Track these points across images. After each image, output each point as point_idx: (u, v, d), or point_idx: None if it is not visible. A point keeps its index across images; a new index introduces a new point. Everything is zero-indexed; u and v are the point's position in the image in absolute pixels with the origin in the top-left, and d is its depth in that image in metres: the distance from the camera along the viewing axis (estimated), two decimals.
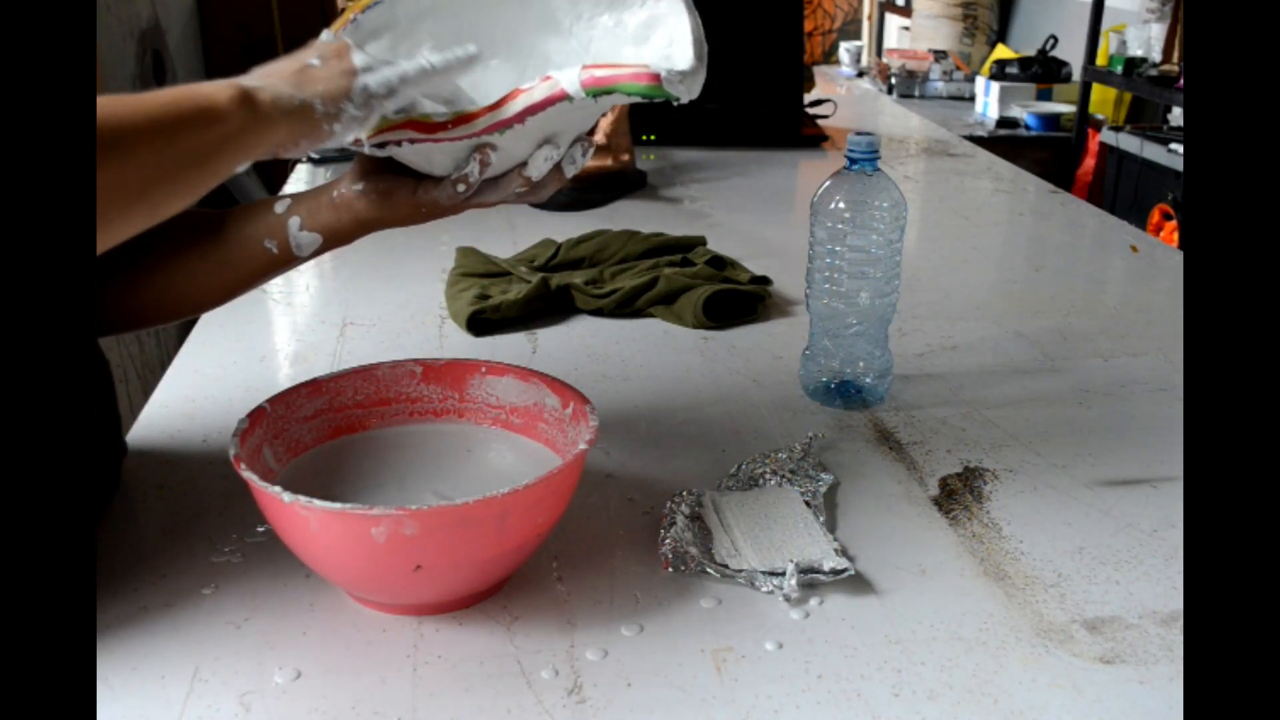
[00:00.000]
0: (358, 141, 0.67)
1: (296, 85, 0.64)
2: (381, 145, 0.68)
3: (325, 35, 0.72)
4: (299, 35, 3.80)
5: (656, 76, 0.66)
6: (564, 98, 0.66)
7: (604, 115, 1.71)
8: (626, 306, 1.19)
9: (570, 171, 0.73)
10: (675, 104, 0.68)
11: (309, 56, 0.66)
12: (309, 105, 0.63)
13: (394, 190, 0.73)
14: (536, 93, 0.66)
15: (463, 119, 0.67)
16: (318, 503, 0.62)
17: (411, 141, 0.67)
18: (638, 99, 0.67)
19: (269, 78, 0.64)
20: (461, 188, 0.70)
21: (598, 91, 0.66)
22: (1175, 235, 2.97)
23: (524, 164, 0.71)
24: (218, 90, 0.60)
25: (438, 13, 0.76)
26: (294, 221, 0.75)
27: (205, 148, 0.59)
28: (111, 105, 0.56)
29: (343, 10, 0.77)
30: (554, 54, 0.77)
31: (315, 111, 0.64)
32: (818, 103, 2.35)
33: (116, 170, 0.55)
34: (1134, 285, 1.41)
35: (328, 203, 0.75)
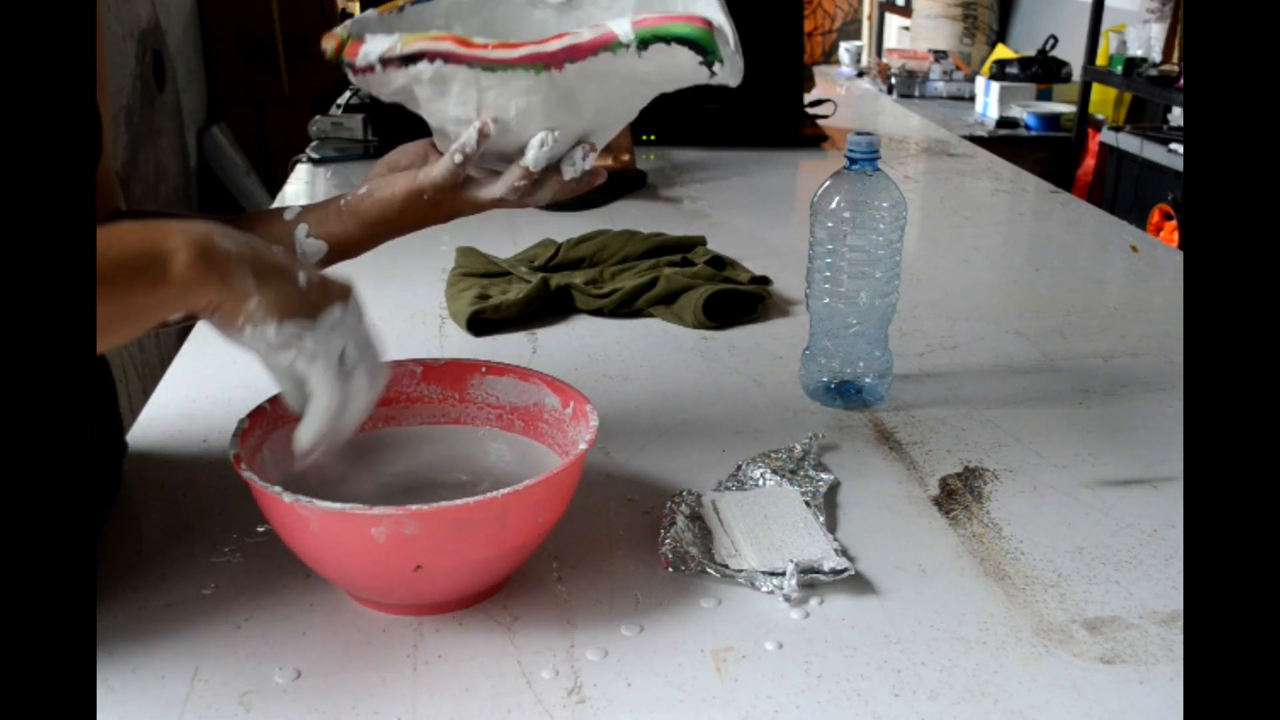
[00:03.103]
0: (390, 50, 0.67)
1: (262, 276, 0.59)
2: (413, 59, 0.67)
3: (369, 13, 0.72)
4: (299, 35, 3.81)
5: (709, 23, 0.65)
6: (612, 40, 0.65)
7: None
8: (626, 306, 1.19)
9: (569, 174, 0.73)
10: (712, 75, 0.67)
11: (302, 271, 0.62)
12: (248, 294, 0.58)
13: (396, 179, 0.74)
14: (584, 33, 0.65)
15: (505, 45, 0.66)
16: (318, 503, 0.62)
17: (446, 58, 0.66)
18: (690, 54, 0.65)
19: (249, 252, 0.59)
20: (459, 158, 0.70)
21: (647, 35, 0.65)
22: (1175, 235, 2.96)
23: (523, 156, 0.71)
24: (174, 248, 0.57)
25: (477, 27, 0.76)
26: (301, 229, 0.77)
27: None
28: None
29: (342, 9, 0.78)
30: None
31: (248, 303, 0.59)
32: (818, 103, 2.35)
33: None
34: (1134, 285, 1.41)
35: (334, 211, 0.76)
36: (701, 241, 1.36)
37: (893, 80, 4.24)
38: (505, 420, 0.80)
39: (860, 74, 4.30)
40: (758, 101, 2.07)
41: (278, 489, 0.63)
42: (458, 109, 0.69)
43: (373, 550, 0.62)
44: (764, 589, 0.70)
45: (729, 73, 0.67)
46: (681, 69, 0.67)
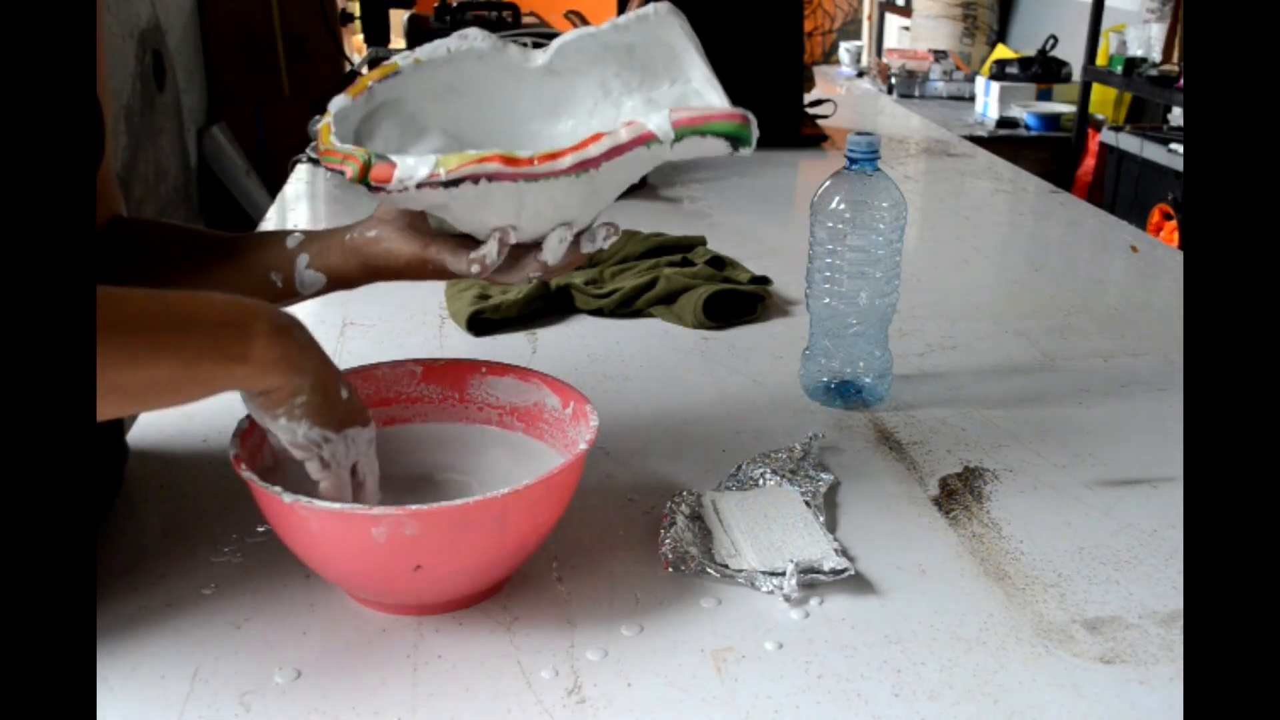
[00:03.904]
0: (433, 175, 0.64)
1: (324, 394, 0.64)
2: (455, 183, 0.65)
3: (339, 100, 0.71)
4: (299, 35, 3.80)
5: (745, 117, 0.66)
6: (650, 139, 0.66)
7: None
8: (626, 306, 1.19)
9: (589, 249, 0.73)
10: (736, 151, 0.68)
11: (344, 392, 0.66)
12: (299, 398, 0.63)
13: (407, 239, 0.74)
14: (622, 134, 0.66)
15: (549, 156, 0.66)
16: (318, 503, 0.62)
17: (490, 179, 0.65)
18: (721, 140, 0.67)
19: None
20: (476, 268, 0.70)
21: (686, 132, 0.66)
22: (1175, 235, 2.96)
23: (540, 248, 0.71)
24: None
25: (447, 95, 0.75)
26: (302, 259, 0.76)
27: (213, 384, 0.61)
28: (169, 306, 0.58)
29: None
30: (563, 138, 0.76)
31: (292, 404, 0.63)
32: (818, 103, 2.34)
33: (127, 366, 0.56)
34: (1134, 285, 1.41)
35: (338, 245, 0.76)
36: (701, 241, 1.36)
37: (893, 80, 4.24)
38: (505, 420, 0.80)
39: (860, 74, 4.30)
40: (758, 101, 2.05)
41: (278, 489, 0.63)
42: (496, 218, 0.69)
43: (373, 550, 0.62)
44: (764, 589, 0.70)
45: (751, 147, 0.68)
46: (704, 151, 0.68)
